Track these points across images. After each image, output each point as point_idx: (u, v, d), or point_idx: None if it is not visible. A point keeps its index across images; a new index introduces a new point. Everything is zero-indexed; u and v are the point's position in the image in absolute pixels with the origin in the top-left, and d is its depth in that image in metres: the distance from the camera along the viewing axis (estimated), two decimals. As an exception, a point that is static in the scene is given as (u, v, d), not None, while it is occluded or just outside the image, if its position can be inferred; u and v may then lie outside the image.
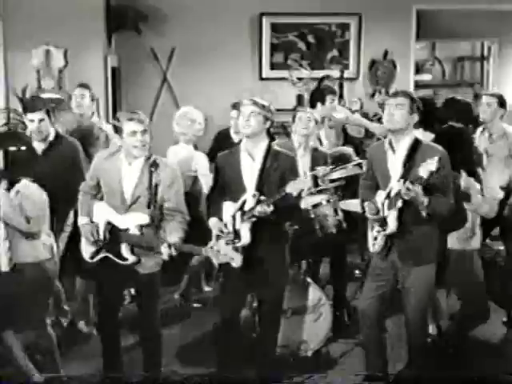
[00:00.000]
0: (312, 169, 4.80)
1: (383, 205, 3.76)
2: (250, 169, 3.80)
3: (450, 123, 4.75)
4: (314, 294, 4.46)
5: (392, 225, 3.71)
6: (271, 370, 4.04)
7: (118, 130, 3.82)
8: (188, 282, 5.39)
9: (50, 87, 6.69)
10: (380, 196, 3.82)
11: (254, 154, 3.81)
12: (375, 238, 3.85)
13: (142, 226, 3.73)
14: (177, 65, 7.51)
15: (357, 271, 5.78)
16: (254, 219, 3.68)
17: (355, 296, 5.11)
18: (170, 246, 3.57)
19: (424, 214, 3.66)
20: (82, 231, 3.92)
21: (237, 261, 3.59)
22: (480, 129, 5.17)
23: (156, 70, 7.54)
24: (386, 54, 7.70)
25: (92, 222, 3.90)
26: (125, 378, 4.00)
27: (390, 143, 3.82)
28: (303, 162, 4.87)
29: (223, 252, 3.57)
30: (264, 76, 7.65)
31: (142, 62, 7.50)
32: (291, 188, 3.58)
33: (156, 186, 3.70)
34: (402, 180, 3.64)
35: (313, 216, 4.57)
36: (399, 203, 3.66)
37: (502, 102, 5.08)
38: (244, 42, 7.59)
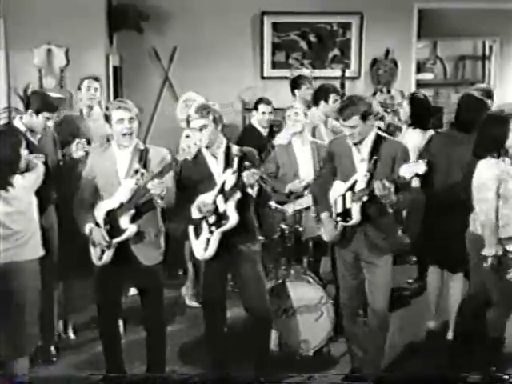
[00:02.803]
0: (312, 161, 4.85)
1: (344, 196, 3.86)
2: (216, 169, 3.89)
3: (469, 92, 4.75)
4: (315, 292, 4.46)
5: (356, 217, 3.83)
6: (271, 369, 4.04)
7: (108, 118, 3.87)
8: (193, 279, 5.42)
9: (52, 86, 6.68)
10: (340, 187, 3.92)
11: (218, 155, 3.90)
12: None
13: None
14: (178, 64, 7.50)
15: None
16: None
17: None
18: (152, 177, 3.61)
19: (390, 209, 3.78)
20: (93, 237, 3.82)
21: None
22: None
23: (157, 69, 7.54)
24: (387, 53, 7.70)
25: (97, 224, 3.86)
26: (125, 377, 4.00)
27: (355, 143, 3.89)
28: (303, 155, 4.89)
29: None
30: (265, 75, 7.64)
31: (143, 61, 7.50)
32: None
33: (147, 162, 3.77)
34: (368, 174, 3.76)
35: (314, 215, 4.58)
36: (365, 197, 3.74)
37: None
38: (245, 41, 7.58)
